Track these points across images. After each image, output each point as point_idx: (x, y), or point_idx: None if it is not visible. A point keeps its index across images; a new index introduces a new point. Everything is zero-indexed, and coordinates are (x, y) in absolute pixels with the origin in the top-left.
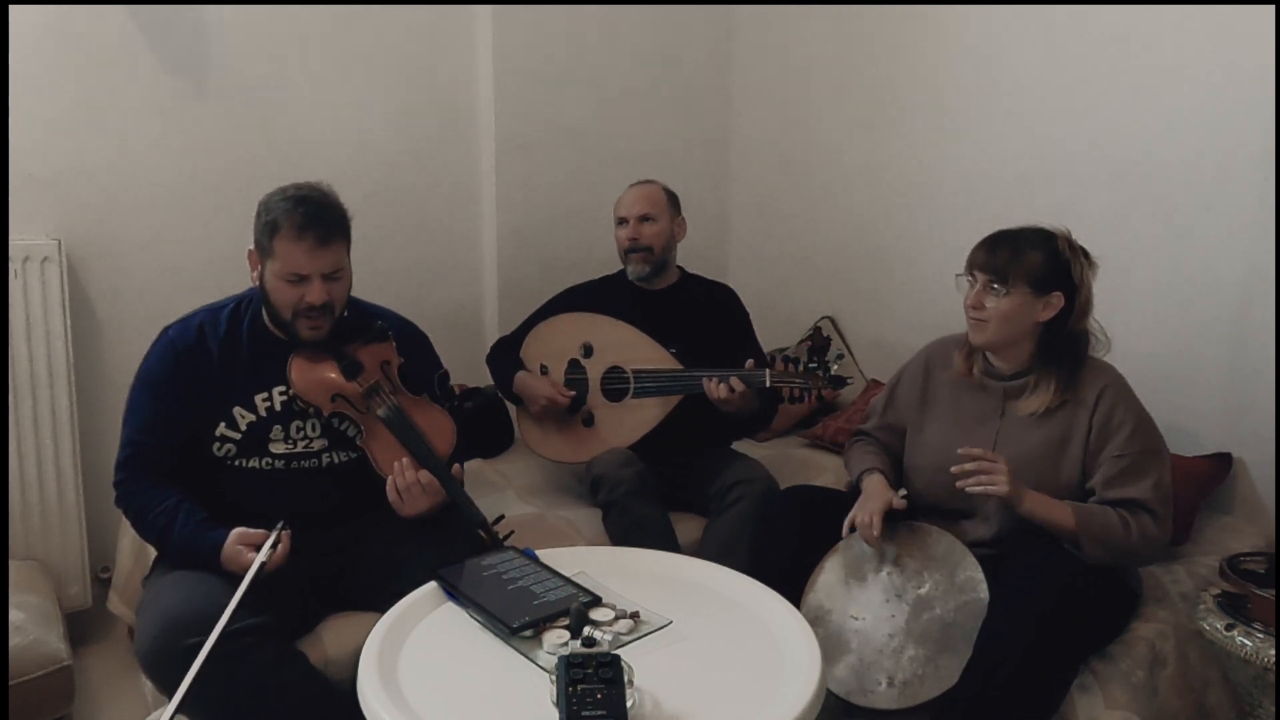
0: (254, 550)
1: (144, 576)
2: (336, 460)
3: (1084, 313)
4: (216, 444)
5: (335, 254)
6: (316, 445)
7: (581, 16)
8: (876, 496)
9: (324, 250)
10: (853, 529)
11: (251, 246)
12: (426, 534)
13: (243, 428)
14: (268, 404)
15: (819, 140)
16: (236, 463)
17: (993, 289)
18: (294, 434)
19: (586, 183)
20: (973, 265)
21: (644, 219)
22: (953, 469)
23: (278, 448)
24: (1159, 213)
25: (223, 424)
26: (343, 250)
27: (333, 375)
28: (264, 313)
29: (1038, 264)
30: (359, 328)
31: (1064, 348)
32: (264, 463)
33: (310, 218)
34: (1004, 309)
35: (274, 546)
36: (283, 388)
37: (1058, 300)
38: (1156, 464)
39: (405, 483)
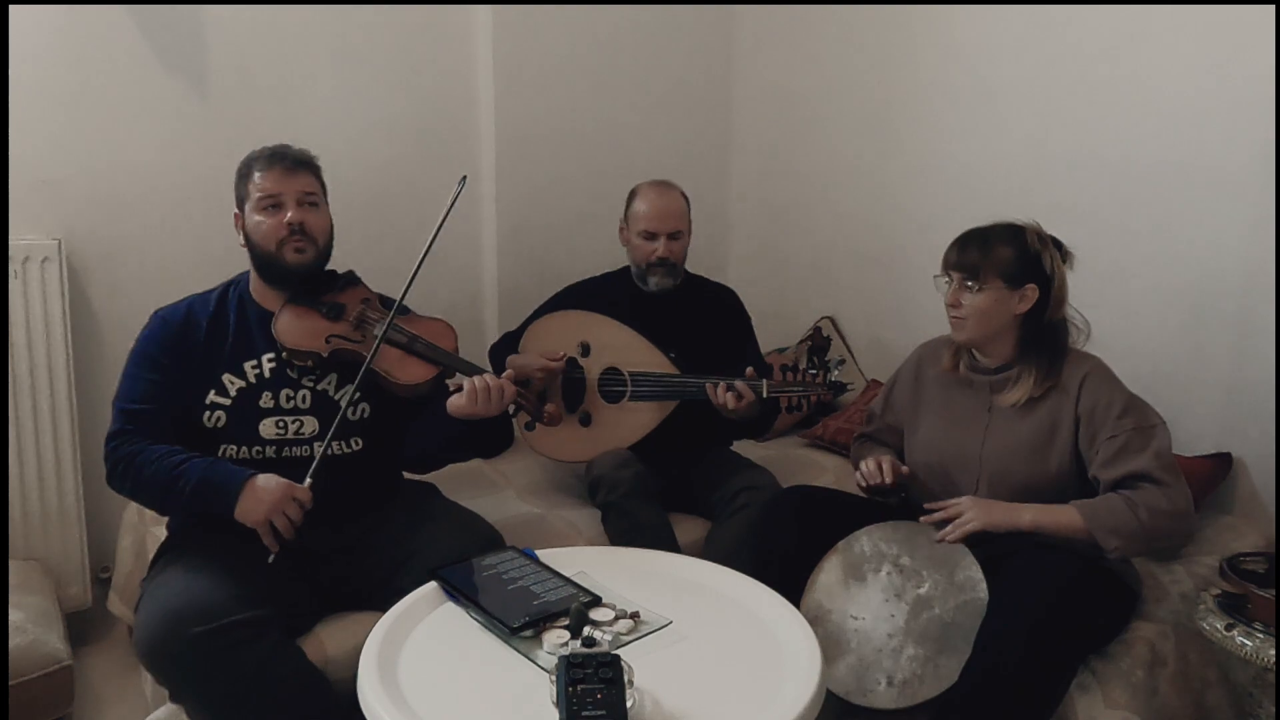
0: (280, 505)
1: (143, 577)
2: (330, 451)
3: (1059, 302)
4: (207, 413)
5: (306, 180)
6: (307, 430)
7: (581, 16)
8: (884, 456)
9: (294, 175)
10: (865, 490)
11: (235, 211)
12: (429, 532)
13: (232, 394)
14: (257, 370)
15: (819, 140)
16: (227, 451)
17: (967, 286)
18: (284, 404)
19: (587, 183)
20: (947, 264)
21: (673, 235)
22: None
23: (268, 430)
24: (1158, 214)
25: (213, 391)
26: (314, 182)
27: (319, 321)
28: (255, 274)
29: (1008, 258)
30: (328, 280)
31: (1044, 338)
32: (254, 451)
33: (278, 152)
34: (980, 305)
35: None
36: (271, 354)
37: (1032, 292)
38: (1152, 436)
39: (482, 385)
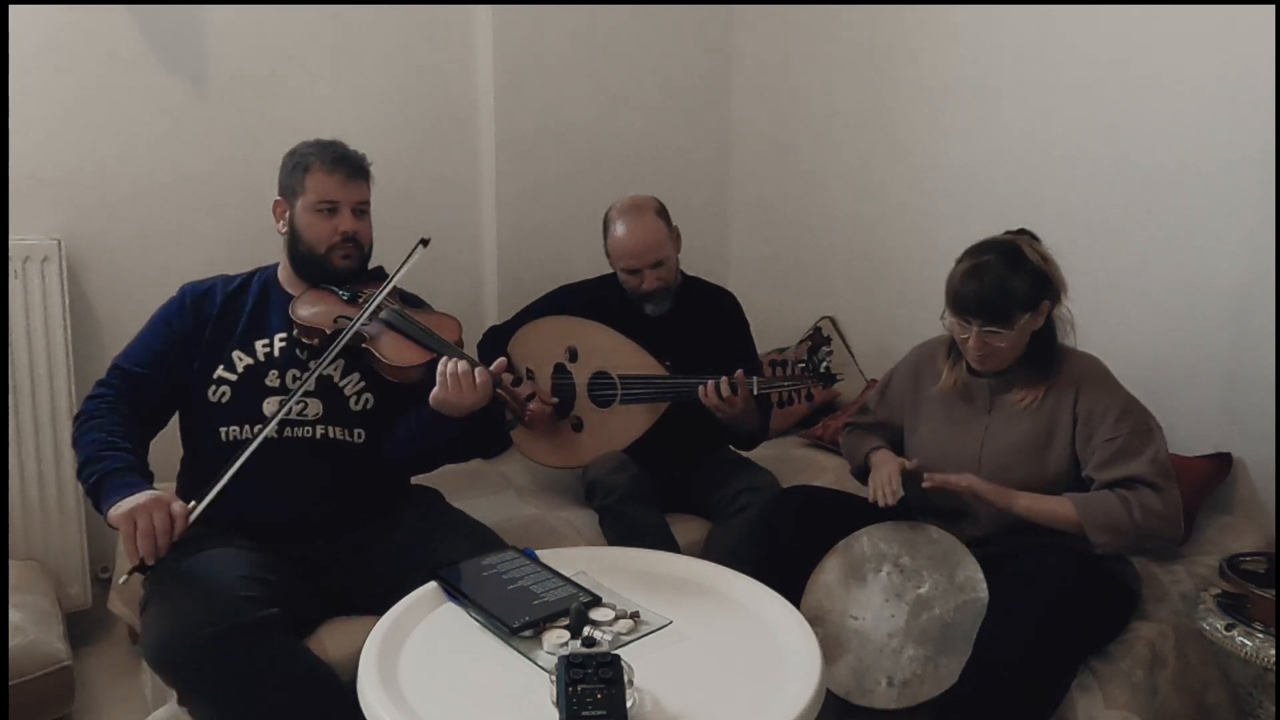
0: (149, 507)
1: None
2: (331, 435)
3: (1059, 300)
4: (213, 388)
5: (362, 189)
6: (311, 412)
7: (581, 16)
8: (888, 463)
9: (353, 183)
10: (875, 504)
11: (277, 198)
12: (435, 542)
13: (239, 370)
14: (267, 349)
15: (819, 142)
16: (230, 433)
17: (992, 333)
18: (290, 384)
19: (587, 183)
20: (964, 311)
21: (656, 265)
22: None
23: (270, 408)
24: (1158, 215)
25: (220, 367)
26: (368, 190)
27: (335, 304)
28: (287, 264)
29: (1025, 290)
30: (356, 272)
31: (1040, 337)
32: (256, 430)
33: (340, 155)
34: (1009, 341)
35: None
36: (283, 334)
37: (1046, 308)
38: (1149, 441)
39: (451, 369)
